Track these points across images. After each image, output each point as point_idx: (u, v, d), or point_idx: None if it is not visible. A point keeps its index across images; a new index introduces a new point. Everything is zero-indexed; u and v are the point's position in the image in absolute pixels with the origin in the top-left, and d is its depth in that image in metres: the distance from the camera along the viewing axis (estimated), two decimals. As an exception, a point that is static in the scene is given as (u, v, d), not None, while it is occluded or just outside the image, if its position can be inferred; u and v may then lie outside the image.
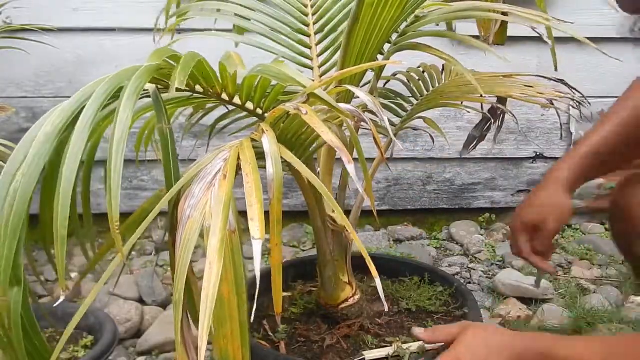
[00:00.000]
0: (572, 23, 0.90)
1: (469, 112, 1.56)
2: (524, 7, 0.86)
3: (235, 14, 1.00)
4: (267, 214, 0.53)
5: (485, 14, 0.91)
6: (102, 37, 1.79)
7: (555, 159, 2.01)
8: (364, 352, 0.88)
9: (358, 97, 0.62)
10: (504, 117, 1.23)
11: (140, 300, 1.51)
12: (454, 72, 1.13)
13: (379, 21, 0.76)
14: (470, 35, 0.90)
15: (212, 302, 0.44)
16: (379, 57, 0.98)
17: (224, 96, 0.69)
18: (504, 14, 0.89)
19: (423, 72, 1.15)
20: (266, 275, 1.16)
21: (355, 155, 0.71)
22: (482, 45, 0.88)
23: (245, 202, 0.51)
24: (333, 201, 0.54)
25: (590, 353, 0.70)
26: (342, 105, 0.60)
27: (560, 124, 1.94)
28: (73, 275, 1.64)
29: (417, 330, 0.83)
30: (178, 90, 0.51)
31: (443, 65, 1.16)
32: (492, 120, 1.19)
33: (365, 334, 0.93)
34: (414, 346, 0.89)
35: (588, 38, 0.81)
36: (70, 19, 1.76)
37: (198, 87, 0.67)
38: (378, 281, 0.51)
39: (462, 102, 1.05)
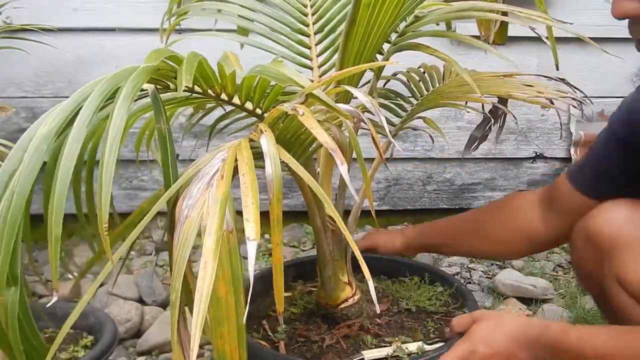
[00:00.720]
0: (571, 23, 0.90)
1: (468, 112, 1.56)
2: (524, 7, 0.86)
3: (237, 15, 1.00)
4: (266, 214, 0.53)
5: (485, 14, 0.91)
6: (102, 37, 1.79)
7: (555, 159, 2.01)
8: (363, 352, 0.88)
9: (357, 97, 0.62)
10: (505, 117, 1.23)
11: (140, 300, 1.50)
12: (454, 72, 1.13)
13: (376, 22, 0.75)
14: (471, 35, 0.90)
15: (206, 301, 0.44)
16: (378, 57, 0.98)
17: (223, 96, 0.69)
18: (504, 13, 0.89)
19: (424, 72, 1.15)
20: (265, 275, 1.15)
21: (355, 155, 0.71)
22: (481, 44, 0.88)
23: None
24: (330, 205, 0.54)
25: (600, 338, 0.76)
26: (341, 106, 0.60)
27: (561, 124, 1.93)
28: (73, 275, 1.63)
29: (447, 331, 0.93)
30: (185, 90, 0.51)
31: (444, 66, 1.16)
32: (492, 121, 1.18)
33: (365, 334, 0.93)
34: (413, 346, 0.89)
35: (589, 38, 0.82)
36: (70, 19, 1.76)
37: (197, 88, 0.67)
38: (371, 284, 0.51)
39: (466, 102, 1.05)
